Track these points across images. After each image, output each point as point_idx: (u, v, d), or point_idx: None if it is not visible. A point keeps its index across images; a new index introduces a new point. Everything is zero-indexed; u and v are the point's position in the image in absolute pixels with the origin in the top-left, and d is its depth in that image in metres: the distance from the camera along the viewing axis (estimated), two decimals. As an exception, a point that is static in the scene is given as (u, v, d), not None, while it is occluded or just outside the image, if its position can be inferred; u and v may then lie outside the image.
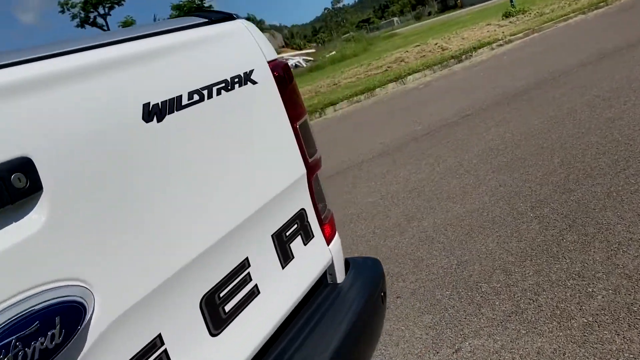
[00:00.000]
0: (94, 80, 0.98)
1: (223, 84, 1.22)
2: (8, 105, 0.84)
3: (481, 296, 2.69)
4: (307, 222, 1.52)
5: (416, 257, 3.35)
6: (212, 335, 1.14)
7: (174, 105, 1.09)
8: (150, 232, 1.02)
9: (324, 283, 1.60)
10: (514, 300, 2.57)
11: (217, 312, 1.16)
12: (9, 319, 0.75)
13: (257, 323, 1.25)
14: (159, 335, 1.01)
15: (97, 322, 0.88)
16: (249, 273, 1.26)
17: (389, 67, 14.48)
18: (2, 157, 0.80)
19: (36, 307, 0.78)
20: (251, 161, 1.30)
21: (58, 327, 0.80)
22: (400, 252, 3.51)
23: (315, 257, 1.52)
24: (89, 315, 0.86)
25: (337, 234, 1.68)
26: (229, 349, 1.16)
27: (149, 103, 1.05)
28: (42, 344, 0.77)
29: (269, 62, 1.42)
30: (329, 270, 1.59)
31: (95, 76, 0.98)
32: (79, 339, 0.84)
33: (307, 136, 1.55)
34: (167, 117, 1.07)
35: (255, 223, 1.29)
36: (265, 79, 1.39)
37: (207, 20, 1.36)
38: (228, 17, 1.42)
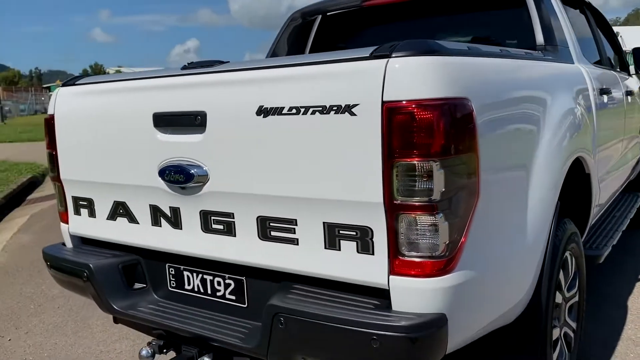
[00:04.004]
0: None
1: (320, 108, 1.64)
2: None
3: None
4: (370, 239, 1.65)
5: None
6: (260, 238, 1.89)
7: (276, 111, 1.68)
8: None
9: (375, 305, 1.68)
10: None
11: (265, 230, 1.85)
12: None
13: (282, 256, 1.83)
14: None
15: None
16: (294, 229, 1.78)
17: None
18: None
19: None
20: (324, 164, 1.68)
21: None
22: None
23: (363, 267, 1.66)
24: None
25: (438, 280, 1.59)
26: (260, 253, 1.89)
27: (262, 106, 1.67)
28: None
29: (386, 102, 1.54)
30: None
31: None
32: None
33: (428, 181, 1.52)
34: (270, 117, 1.69)
35: (312, 205, 1.73)
36: (368, 114, 1.58)
37: (366, 55, 1.60)
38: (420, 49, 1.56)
